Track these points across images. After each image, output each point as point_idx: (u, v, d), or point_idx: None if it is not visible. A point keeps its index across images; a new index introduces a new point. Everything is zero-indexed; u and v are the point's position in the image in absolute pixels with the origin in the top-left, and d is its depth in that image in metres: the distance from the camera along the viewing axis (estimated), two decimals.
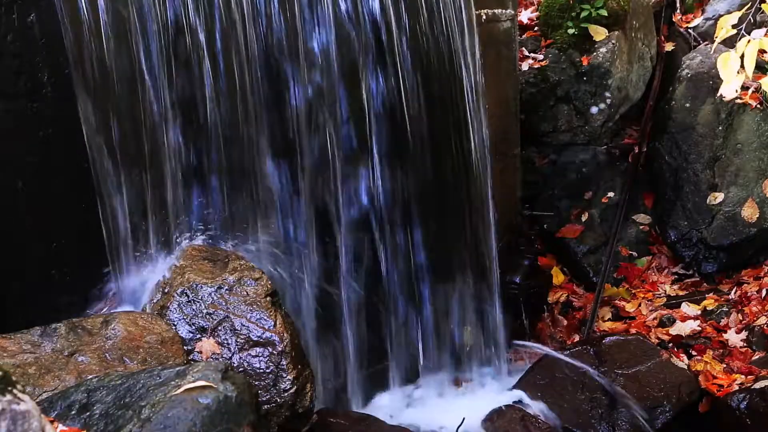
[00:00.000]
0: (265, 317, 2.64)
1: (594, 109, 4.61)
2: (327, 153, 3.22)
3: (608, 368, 3.65)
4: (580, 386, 3.60)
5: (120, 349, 2.43)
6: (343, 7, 3.14)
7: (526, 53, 4.65)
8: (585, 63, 4.54)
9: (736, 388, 3.61)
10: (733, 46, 2.73)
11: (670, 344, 4.13)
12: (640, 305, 4.43)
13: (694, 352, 4.07)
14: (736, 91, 2.66)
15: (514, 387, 3.72)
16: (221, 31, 2.91)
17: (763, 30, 2.78)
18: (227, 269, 2.77)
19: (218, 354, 2.57)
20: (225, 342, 2.60)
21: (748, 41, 2.57)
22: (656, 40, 4.96)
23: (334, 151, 3.23)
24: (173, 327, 2.60)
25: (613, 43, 4.56)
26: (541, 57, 4.63)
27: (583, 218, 4.69)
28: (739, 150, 4.53)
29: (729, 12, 3.48)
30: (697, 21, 4.99)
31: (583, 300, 4.53)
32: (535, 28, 4.76)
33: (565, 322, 4.41)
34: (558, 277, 4.59)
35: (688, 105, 4.65)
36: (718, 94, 3.91)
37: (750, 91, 4.45)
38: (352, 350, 3.46)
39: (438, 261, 3.64)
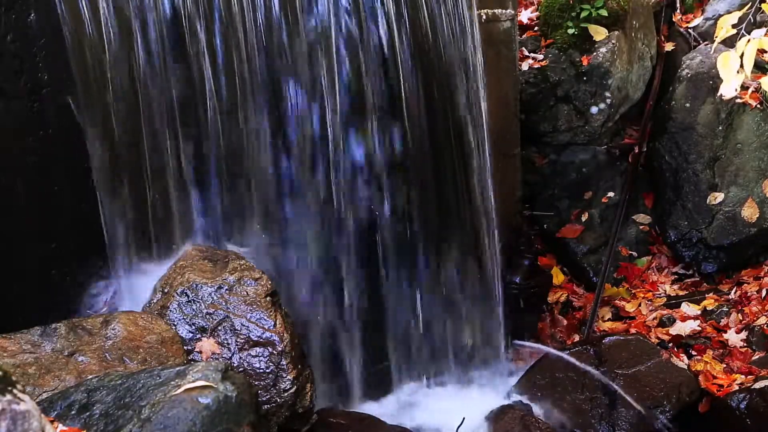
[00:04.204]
0: (265, 317, 2.64)
1: (594, 109, 4.61)
2: (327, 152, 3.22)
3: (608, 368, 3.65)
4: (580, 386, 3.60)
5: (120, 349, 2.43)
6: (343, 5, 3.14)
7: (526, 53, 4.64)
8: (585, 63, 4.53)
9: (736, 388, 3.61)
10: (733, 46, 2.73)
11: (670, 344, 4.13)
12: (640, 305, 4.43)
13: (694, 352, 4.07)
14: (736, 90, 2.65)
15: (514, 387, 3.72)
16: (221, 29, 2.91)
17: (763, 30, 2.77)
18: (227, 269, 2.77)
19: (218, 354, 2.57)
20: (225, 342, 2.60)
21: (748, 40, 2.57)
22: (656, 40, 4.95)
23: (335, 150, 3.23)
24: (173, 327, 2.60)
25: (613, 43, 4.56)
26: (541, 57, 4.63)
27: (583, 218, 4.69)
28: (739, 150, 4.53)
29: (729, 12, 3.48)
30: (697, 21, 4.99)
31: (583, 300, 4.53)
32: (535, 28, 4.75)
33: (565, 322, 4.41)
34: (558, 277, 4.59)
35: (688, 105, 4.65)
36: (718, 94, 3.91)
37: (750, 91, 4.45)
38: (353, 350, 3.46)
39: (439, 260, 3.64)
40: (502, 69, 4.08)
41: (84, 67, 2.67)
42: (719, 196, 4.52)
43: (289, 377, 2.58)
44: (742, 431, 3.41)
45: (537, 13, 4.76)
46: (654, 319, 4.31)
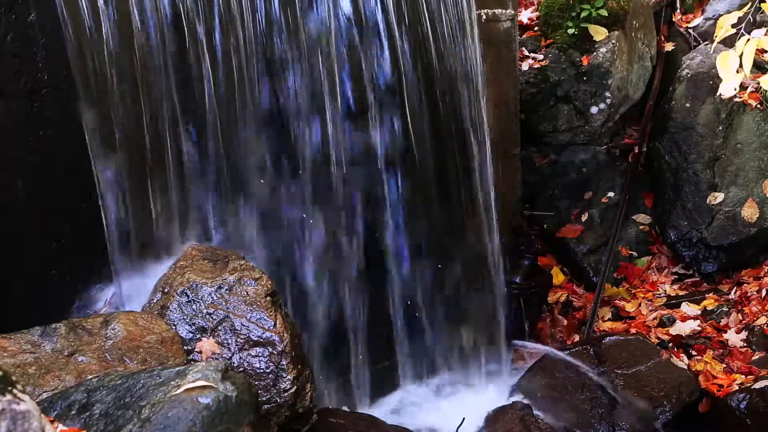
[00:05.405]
0: (265, 317, 2.64)
1: (594, 109, 4.61)
2: (329, 151, 3.22)
3: (608, 368, 3.66)
4: (580, 386, 3.61)
5: (120, 349, 2.43)
6: (344, 6, 3.15)
7: (526, 53, 4.65)
8: (585, 63, 4.54)
9: (736, 388, 3.61)
10: (732, 46, 2.73)
11: (670, 344, 4.13)
12: (640, 305, 4.43)
13: (694, 352, 4.07)
14: (735, 89, 2.66)
15: (515, 387, 3.73)
16: (221, 27, 2.91)
17: (763, 30, 2.78)
18: (227, 269, 2.77)
19: (218, 354, 2.57)
20: (225, 342, 2.60)
21: (747, 40, 2.57)
22: (656, 40, 4.96)
23: (336, 149, 3.23)
24: (173, 327, 2.60)
25: (613, 43, 4.56)
26: (541, 57, 4.63)
27: (583, 218, 4.69)
28: (739, 150, 4.53)
29: (729, 12, 3.48)
30: (697, 21, 4.99)
31: (583, 300, 4.53)
32: (535, 28, 4.75)
33: (565, 322, 4.41)
34: (558, 277, 4.59)
35: (688, 105, 4.65)
36: (718, 94, 3.91)
37: (749, 90, 4.45)
38: (355, 349, 3.46)
39: (440, 260, 3.64)
40: (502, 69, 4.08)
41: (84, 67, 2.67)
42: (719, 196, 4.52)
43: (289, 377, 2.58)
44: (742, 431, 3.41)
45: (537, 13, 4.77)
46: (654, 319, 4.31)
